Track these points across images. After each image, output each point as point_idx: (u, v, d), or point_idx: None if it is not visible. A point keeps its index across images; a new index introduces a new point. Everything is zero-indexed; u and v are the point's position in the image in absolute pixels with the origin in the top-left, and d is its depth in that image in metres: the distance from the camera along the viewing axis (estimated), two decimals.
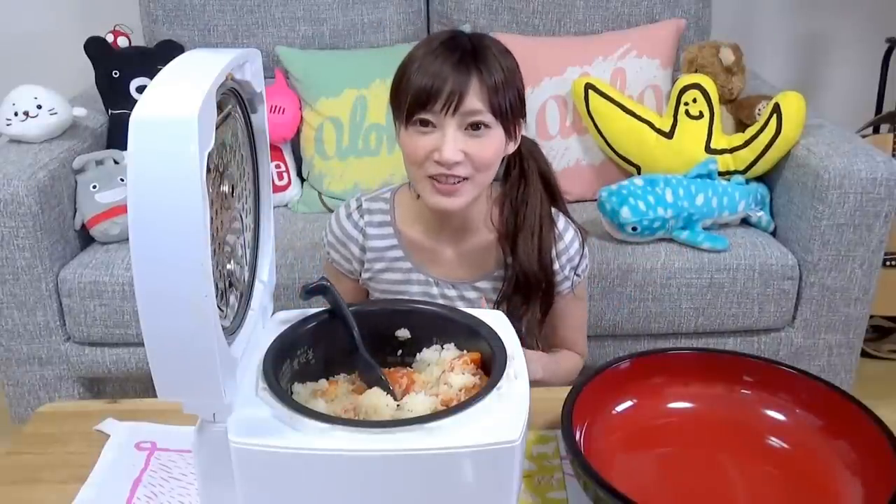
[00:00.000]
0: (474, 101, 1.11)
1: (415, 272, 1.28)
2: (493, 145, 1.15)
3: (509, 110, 1.14)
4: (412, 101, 1.12)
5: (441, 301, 1.28)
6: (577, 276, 1.29)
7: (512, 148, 1.20)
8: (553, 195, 1.28)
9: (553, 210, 1.27)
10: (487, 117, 1.12)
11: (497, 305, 1.26)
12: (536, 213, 1.24)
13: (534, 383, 0.80)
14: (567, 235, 1.27)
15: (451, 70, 1.11)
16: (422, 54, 1.14)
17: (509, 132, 1.16)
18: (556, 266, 1.26)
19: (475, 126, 1.12)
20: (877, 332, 2.35)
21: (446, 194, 1.15)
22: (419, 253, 1.28)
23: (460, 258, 1.28)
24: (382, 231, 1.28)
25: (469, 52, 1.13)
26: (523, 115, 1.19)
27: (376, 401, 0.77)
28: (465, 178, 1.14)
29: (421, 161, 1.14)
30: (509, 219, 1.24)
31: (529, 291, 1.24)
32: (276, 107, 2.03)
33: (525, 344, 1.30)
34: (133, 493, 0.88)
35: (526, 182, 1.25)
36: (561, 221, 1.28)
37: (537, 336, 1.31)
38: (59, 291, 1.78)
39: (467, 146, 1.12)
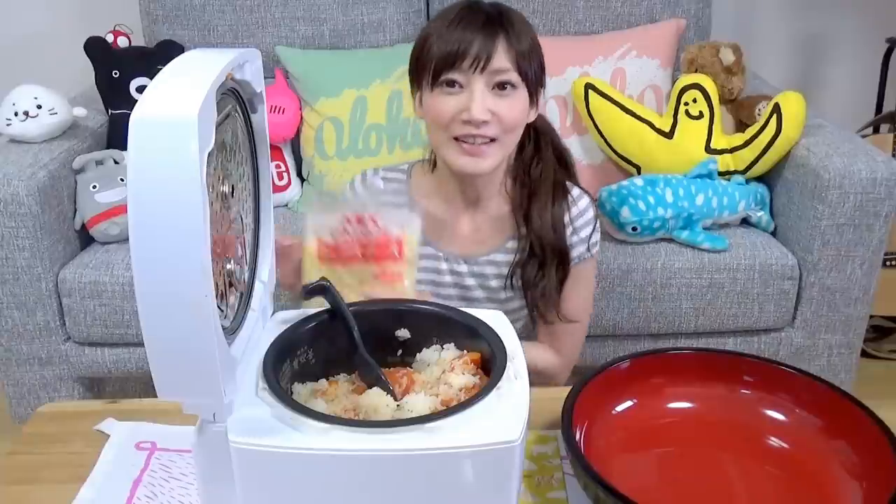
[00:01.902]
0: (502, 59, 1.12)
1: (425, 246, 1.25)
2: (520, 105, 1.15)
3: (534, 75, 1.15)
4: (439, 62, 1.12)
5: (448, 277, 1.28)
6: (588, 250, 1.28)
7: (533, 115, 1.20)
8: (567, 168, 1.28)
9: (567, 183, 1.27)
10: (514, 76, 1.13)
11: (511, 276, 1.26)
12: (550, 182, 1.24)
13: None
14: (581, 202, 1.27)
15: (477, 31, 1.11)
16: (440, 24, 1.15)
17: (532, 98, 1.17)
18: (570, 230, 1.26)
19: (502, 86, 1.13)
20: (877, 332, 2.35)
21: (473, 155, 1.15)
22: (432, 225, 1.26)
23: (474, 231, 1.27)
24: (397, 199, 1.27)
25: (495, 17, 1.14)
26: (544, 83, 1.20)
27: (376, 401, 0.77)
28: (493, 140, 1.15)
29: (447, 122, 1.14)
30: (523, 188, 1.24)
31: (544, 259, 1.24)
32: (276, 107, 2.04)
33: (543, 317, 1.27)
34: (133, 493, 0.88)
35: (540, 155, 1.25)
36: (575, 190, 1.28)
37: (557, 308, 1.28)
38: (59, 291, 1.78)
39: (495, 105, 1.13)
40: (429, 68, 1.13)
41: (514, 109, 1.14)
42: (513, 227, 1.26)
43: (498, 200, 1.26)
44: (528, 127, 1.22)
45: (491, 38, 1.11)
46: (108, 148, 2.00)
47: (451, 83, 1.13)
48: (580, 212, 1.27)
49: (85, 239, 1.88)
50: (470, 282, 1.27)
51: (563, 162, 1.28)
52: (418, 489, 0.69)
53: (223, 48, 0.75)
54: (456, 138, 1.15)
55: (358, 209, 1.04)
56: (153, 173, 0.58)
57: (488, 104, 1.12)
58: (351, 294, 1.03)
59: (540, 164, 1.25)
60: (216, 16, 2.18)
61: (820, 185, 1.75)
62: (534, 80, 1.16)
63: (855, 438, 0.85)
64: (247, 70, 0.75)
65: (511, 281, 1.26)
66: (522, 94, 1.15)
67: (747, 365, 0.94)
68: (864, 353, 2.11)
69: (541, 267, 1.24)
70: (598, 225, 1.29)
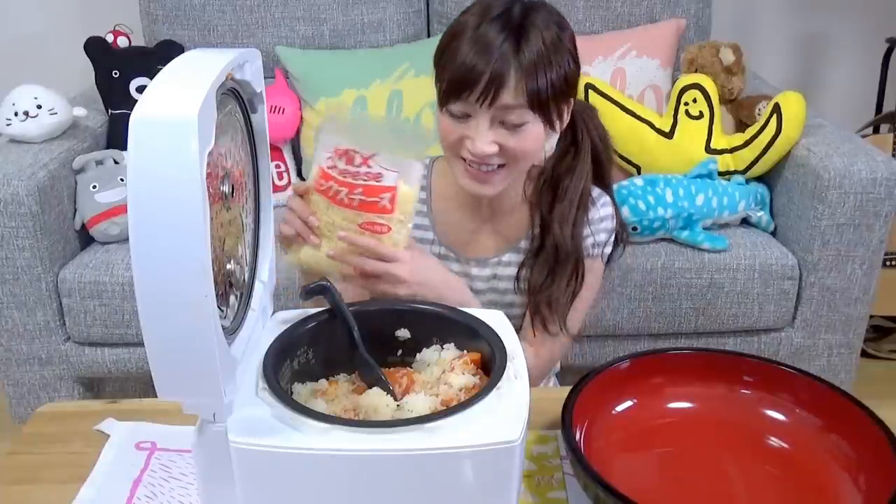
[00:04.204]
0: (510, 96, 1.05)
1: (437, 245, 1.23)
2: (531, 137, 1.09)
3: (550, 100, 1.07)
4: (448, 87, 1.07)
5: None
6: (595, 247, 1.20)
7: (554, 139, 1.14)
8: (601, 173, 1.21)
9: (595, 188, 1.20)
10: (525, 113, 1.06)
11: (518, 274, 1.20)
12: (579, 188, 1.16)
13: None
14: (600, 202, 1.20)
15: (491, 57, 1.04)
16: (472, 21, 1.07)
17: (551, 122, 1.09)
18: (587, 232, 1.19)
19: (511, 123, 1.07)
20: (877, 332, 2.35)
21: (479, 181, 1.11)
22: (445, 225, 1.22)
23: (489, 235, 1.23)
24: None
25: (513, 32, 1.05)
26: (571, 94, 1.11)
27: (376, 401, 0.77)
28: (502, 166, 1.10)
29: (453, 145, 1.10)
30: (546, 187, 1.18)
31: (556, 266, 1.17)
32: (276, 107, 2.04)
33: (546, 327, 1.18)
34: (133, 493, 0.88)
35: (576, 152, 1.18)
36: (596, 191, 1.20)
37: (563, 320, 1.19)
38: (59, 291, 1.78)
39: (502, 138, 1.07)
40: (442, 84, 1.08)
41: (524, 142, 1.08)
42: (528, 226, 1.21)
43: (517, 205, 1.21)
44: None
45: (503, 63, 1.03)
46: (108, 148, 2.01)
47: (459, 113, 1.08)
48: (599, 217, 1.20)
49: (85, 239, 1.88)
50: (480, 285, 1.23)
51: (599, 166, 1.19)
52: (418, 489, 0.69)
53: (223, 48, 0.75)
54: (463, 158, 1.11)
55: (357, 141, 0.93)
56: (153, 173, 0.58)
57: (493, 137, 1.06)
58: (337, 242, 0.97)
59: (574, 163, 1.17)
60: (216, 16, 2.18)
61: (820, 185, 1.75)
62: (550, 105, 1.07)
63: (855, 438, 0.85)
64: (247, 70, 0.75)
65: (518, 283, 1.20)
66: (534, 126, 1.08)
67: (747, 365, 0.94)
68: (864, 353, 2.11)
69: (550, 272, 1.17)
70: (615, 232, 1.22)
